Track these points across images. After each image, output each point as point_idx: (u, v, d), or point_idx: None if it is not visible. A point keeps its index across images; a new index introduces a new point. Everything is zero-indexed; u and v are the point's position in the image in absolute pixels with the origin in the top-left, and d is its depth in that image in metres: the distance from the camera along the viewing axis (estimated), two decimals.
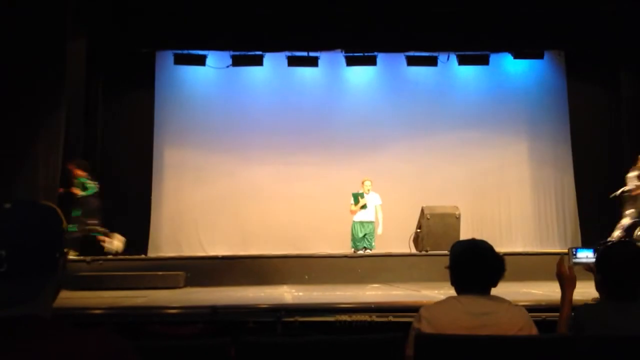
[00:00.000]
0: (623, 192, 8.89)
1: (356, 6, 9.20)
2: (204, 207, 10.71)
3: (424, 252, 8.57)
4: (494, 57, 10.84)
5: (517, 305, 2.42)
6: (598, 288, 2.53)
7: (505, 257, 2.49)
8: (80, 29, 8.72)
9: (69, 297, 5.48)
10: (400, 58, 10.78)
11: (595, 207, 10.54)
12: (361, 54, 10.56)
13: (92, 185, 8.74)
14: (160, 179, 10.79)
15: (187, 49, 10.41)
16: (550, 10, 9.35)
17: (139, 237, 10.18)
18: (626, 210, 8.88)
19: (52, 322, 1.25)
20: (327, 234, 10.27)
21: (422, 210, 8.92)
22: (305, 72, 11.05)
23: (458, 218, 8.79)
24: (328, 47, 10.31)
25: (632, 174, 8.83)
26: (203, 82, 11.03)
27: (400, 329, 2.37)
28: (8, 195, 6.86)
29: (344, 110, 11.16)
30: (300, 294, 6.17)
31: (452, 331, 2.23)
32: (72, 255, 7.65)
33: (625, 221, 8.83)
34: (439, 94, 11.27)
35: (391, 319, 3.89)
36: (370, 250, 9.19)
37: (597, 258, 2.52)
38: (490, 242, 2.51)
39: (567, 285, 2.68)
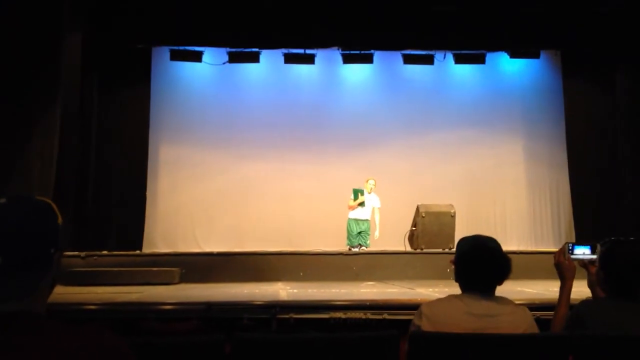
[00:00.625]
0: None
1: (353, 4, 9.20)
2: (199, 203, 10.71)
3: (419, 250, 8.59)
4: (490, 56, 10.87)
5: (521, 305, 2.38)
6: (601, 286, 2.49)
7: None
8: (75, 25, 8.68)
9: (63, 293, 5.47)
10: (396, 56, 10.79)
11: (589, 207, 10.61)
12: (358, 52, 10.57)
13: None
14: (156, 175, 10.77)
15: (184, 45, 10.40)
16: (547, 10, 9.37)
17: (134, 233, 10.19)
18: None
19: (47, 318, 1.25)
20: (322, 231, 10.27)
21: (418, 209, 8.94)
22: (301, 70, 11.04)
23: (453, 216, 8.80)
24: (325, 44, 10.31)
25: None
26: (199, 78, 11.01)
27: (394, 327, 2.38)
28: (3, 191, 6.84)
29: (340, 108, 11.16)
30: (295, 291, 6.16)
31: (452, 331, 2.20)
32: None
33: None
34: (435, 92, 11.29)
35: (386, 316, 3.90)
36: (366, 248, 9.21)
37: (601, 255, 2.47)
38: None
39: (567, 276, 2.63)
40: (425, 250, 8.49)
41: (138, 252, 9.60)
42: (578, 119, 11.04)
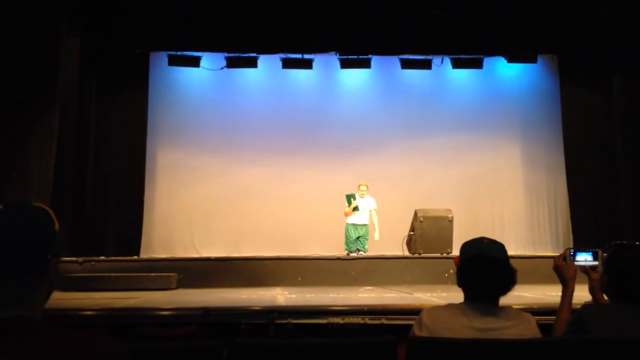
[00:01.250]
0: None
1: (351, 9, 9.21)
2: (197, 208, 10.70)
3: (416, 255, 8.58)
4: (487, 61, 10.89)
5: (526, 314, 2.32)
6: (605, 290, 2.47)
7: None
8: (74, 29, 8.69)
9: (60, 298, 5.45)
10: (394, 61, 10.81)
11: (587, 210, 10.63)
12: (355, 57, 10.57)
13: None
14: (153, 180, 10.76)
15: (182, 50, 10.40)
16: (544, 14, 9.39)
17: (131, 238, 10.17)
18: None
19: (44, 324, 1.25)
20: (320, 236, 10.27)
21: (415, 213, 8.94)
22: (299, 75, 11.05)
23: (451, 221, 8.81)
24: (322, 49, 10.33)
25: None
26: (197, 83, 11.02)
27: (393, 332, 2.37)
28: (1, 194, 6.82)
29: (337, 113, 11.17)
30: (293, 296, 6.16)
31: None
32: None
33: None
34: (432, 97, 11.31)
35: (384, 321, 3.89)
36: (364, 253, 9.20)
37: (606, 259, 2.44)
38: None
39: (567, 279, 2.61)
40: (423, 255, 8.49)
41: (135, 257, 9.60)
42: (575, 123, 11.07)
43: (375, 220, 9.40)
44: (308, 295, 6.23)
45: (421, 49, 10.49)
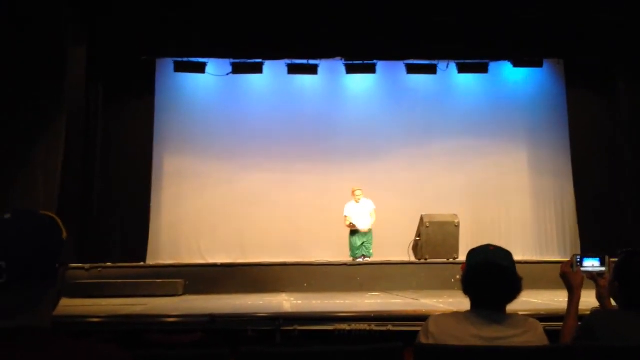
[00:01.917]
0: None
1: (356, 14, 9.23)
2: (203, 214, 10.71)
3: (423, 261, 8.56)
4: (493, 66, 10.87)
5: (533, 320, 2.30)
6: (614, 296, 2.45)
7: None
8: (80, 36, 8.75)
9: (67, 305, 5.46)
10: (399, 66, 10.80)
11: (594, 215, 10.56)
12: (361, 62, 10.59)
13: None
14: (160, 186, 10.78)
15: (187, 57, 10.44)
16: (550, 18, 9.39)
17: (138, 245, 10.18)
18: None
19: (52, 333, 1.25)
20: (326, 242, 10.25)
21: (422, 219, 8.92)
22: (305, 80, 11.07)
23: (457, 226, 8.78)
24: (328, 55, 10.35)
25: None
26: (203, 89, 11.05)
27: (399, 338, 2.36)
28: (7, 204, 6.85)
29: (343, 118, 11.17)
30: (300, 302, 6.15)
31: None
32: None
33: None
34: (438, 102, 11.30)
35: (390, 328, 3.88)
36: (369, 257, 9.19)
37: (616, 265, 2.42)
38: None
39: (574, 286, 2.60)
40: (429, 261, 8.47)
41: (142, 263, 9.61)
42: (582, 128, 11.01)
43: (373, 218, 9.40)
44: (314, 302, 6.23)
45: (426, 54, 10.50)
